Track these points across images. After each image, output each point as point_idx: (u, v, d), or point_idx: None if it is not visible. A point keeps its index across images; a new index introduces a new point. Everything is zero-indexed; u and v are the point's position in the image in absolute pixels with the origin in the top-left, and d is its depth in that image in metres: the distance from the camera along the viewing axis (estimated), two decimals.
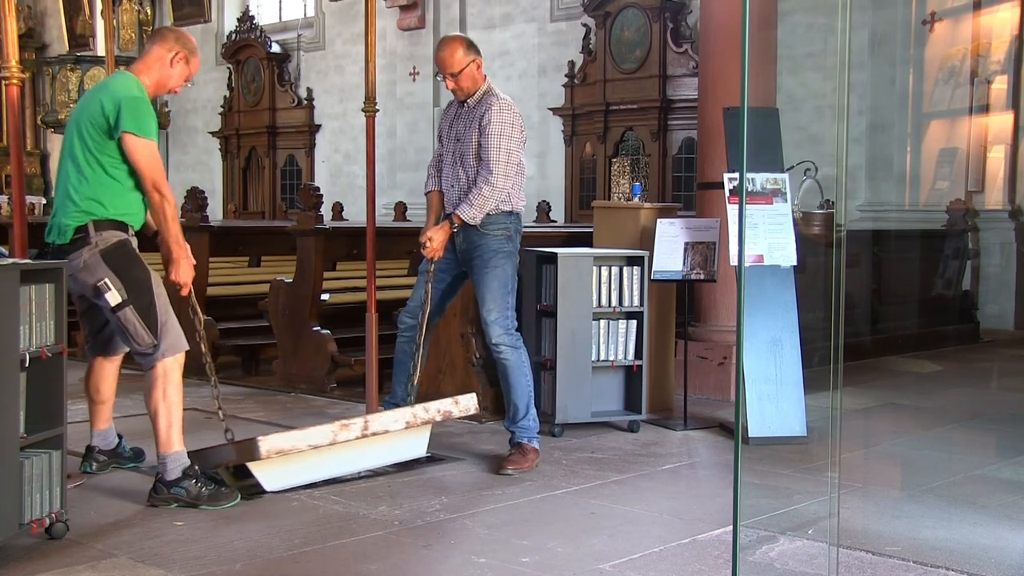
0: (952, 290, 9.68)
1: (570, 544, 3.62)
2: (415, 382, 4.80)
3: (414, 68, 15.22)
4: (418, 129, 15.32)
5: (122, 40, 18.07)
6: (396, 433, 4.50)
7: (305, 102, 16.93)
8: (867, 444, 5.35)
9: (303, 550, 3.52)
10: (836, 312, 3.14)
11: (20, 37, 5.08)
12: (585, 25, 13.46)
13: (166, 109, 18.47)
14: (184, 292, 4.12)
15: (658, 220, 5.68)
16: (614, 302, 5.44)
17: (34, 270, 3.49)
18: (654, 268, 5.55)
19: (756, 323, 5.34)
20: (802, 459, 4.90)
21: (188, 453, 4.06)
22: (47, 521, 3.49)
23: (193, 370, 4.42)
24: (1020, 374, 8.30)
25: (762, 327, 5.35)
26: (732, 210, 5.37)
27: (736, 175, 5.39)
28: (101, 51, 17.58)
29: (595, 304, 5.38)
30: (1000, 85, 10.72)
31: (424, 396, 4.86)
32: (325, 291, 6.90)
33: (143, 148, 3.98)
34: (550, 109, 14.01)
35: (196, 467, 4.03)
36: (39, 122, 19.43)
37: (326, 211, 9.23)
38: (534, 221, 11.69)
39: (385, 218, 13.06)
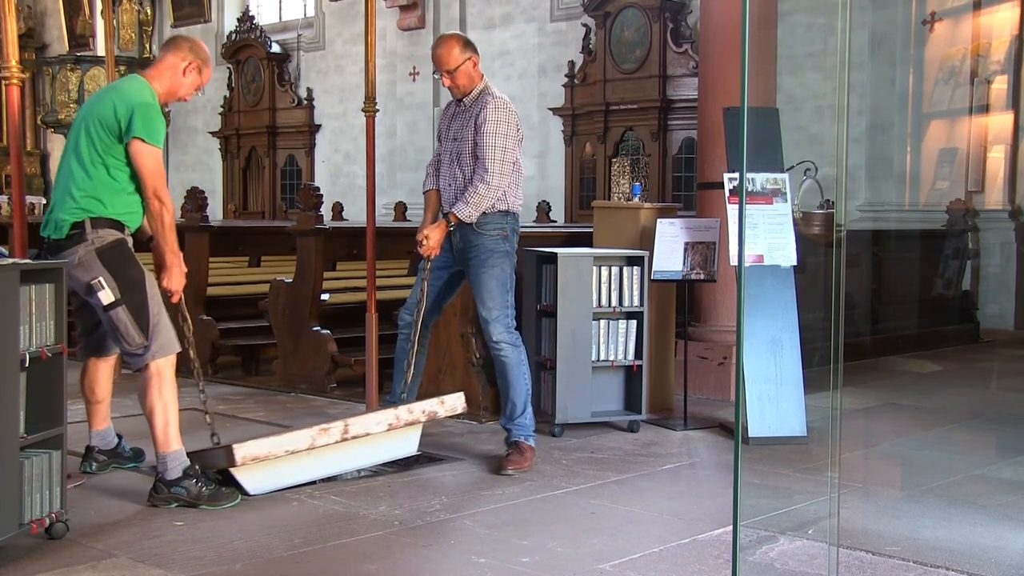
0: (952, 290, 9.67)
1: (570, 544, 3.62)
2: (408, 380, 4.79)
3: (414, 68, 15.21)
4: (418, 129, 15.32)
5: (122, 40, 18.09)
6: (381, 434, 4.49)
7: (305, 102, 16.92)
8: (867, 444, 5.34)
9: (303, 550, 3.52)
10: (836, 312, 3.14)
11: (20, 37, 5.09)
12: (585, 25, 13.45)
13: (166, 109, 18.43)
14: (175, 300, 4.17)
15: (658, 220, 5.69)
16: (614, 302, 5.44)
17: (34, 270, 3.49)
18: (654, 268, 5.55)
19: (756, 323, 5.34)
20: (802, 459, 4.90)
21: None
22: (47, 521, 3.49)
23: (188, 371, 4.42)
24: (1020, 374, 8.29)
25: (762, 327, 5.35)
26: (732, 210, 5.38)
27: (736, 175, 5.39)
28: (101, 51, 17.59)
29: (595, 304, 5.39)
30: (1000, 85, 10.72)
31: (424, 396, 4.85)
32: (325, 291, 6.90)
33: (150, 155, 4.01)
34: (550, 109, 14.00)
35: (196, 467, 4.03)
36: (39, 122, 19.43)
37: (326, 211, 9.23)
38: (534, 221, 11.68)
39: (385, 218, 13.06)
